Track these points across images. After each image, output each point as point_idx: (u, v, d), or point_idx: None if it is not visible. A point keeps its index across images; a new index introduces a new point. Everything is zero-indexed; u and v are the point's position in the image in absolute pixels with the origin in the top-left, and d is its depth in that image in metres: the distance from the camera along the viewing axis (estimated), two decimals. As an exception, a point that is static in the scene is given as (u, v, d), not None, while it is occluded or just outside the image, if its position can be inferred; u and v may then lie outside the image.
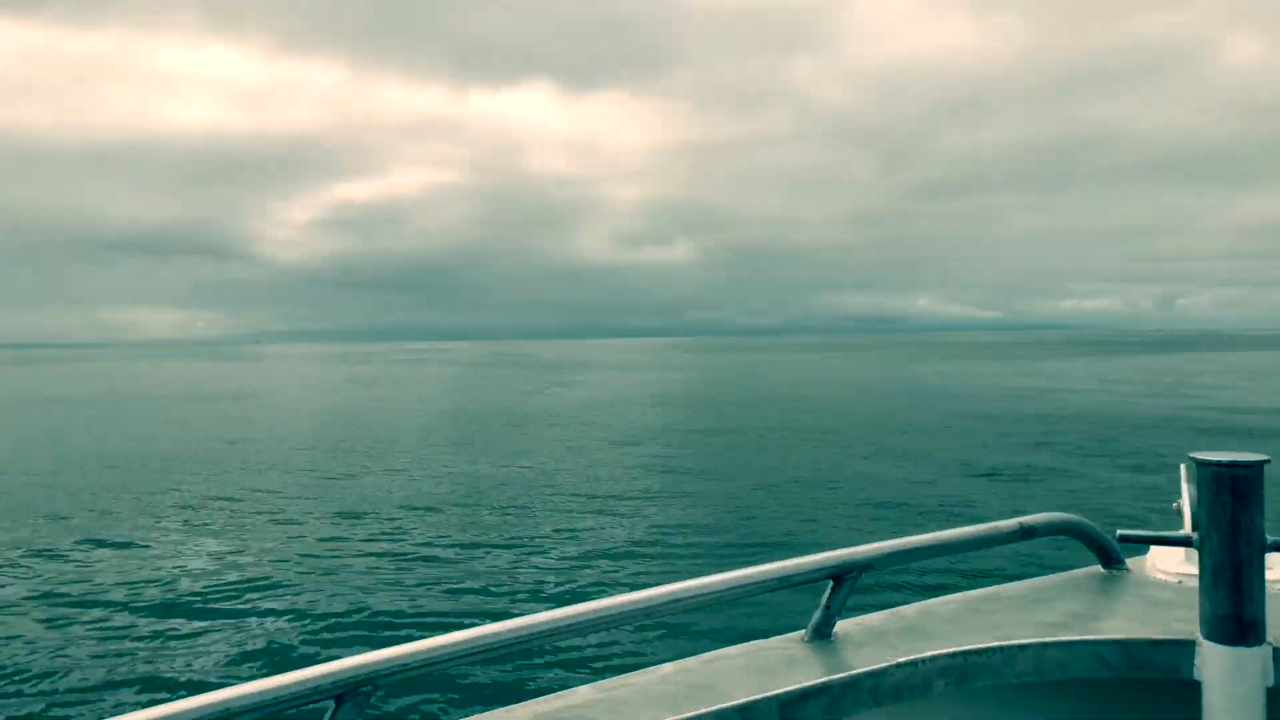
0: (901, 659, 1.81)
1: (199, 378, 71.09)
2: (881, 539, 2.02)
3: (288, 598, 9.85)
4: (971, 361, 79.28)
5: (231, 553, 11.86)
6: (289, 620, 9.11)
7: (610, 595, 1.72)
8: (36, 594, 10.02)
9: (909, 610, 2.09)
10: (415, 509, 14.55)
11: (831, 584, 1.93)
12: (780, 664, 1.81)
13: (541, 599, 9.53)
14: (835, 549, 1.93)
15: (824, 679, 1.73)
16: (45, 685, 7.42)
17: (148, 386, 58.20)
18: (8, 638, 8.57)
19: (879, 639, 1.93)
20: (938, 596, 2.16)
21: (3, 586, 10.42)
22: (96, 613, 9.33)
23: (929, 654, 1.84)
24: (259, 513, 14.53)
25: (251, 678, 1.39)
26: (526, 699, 1.65)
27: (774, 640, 1.95)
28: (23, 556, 11.76)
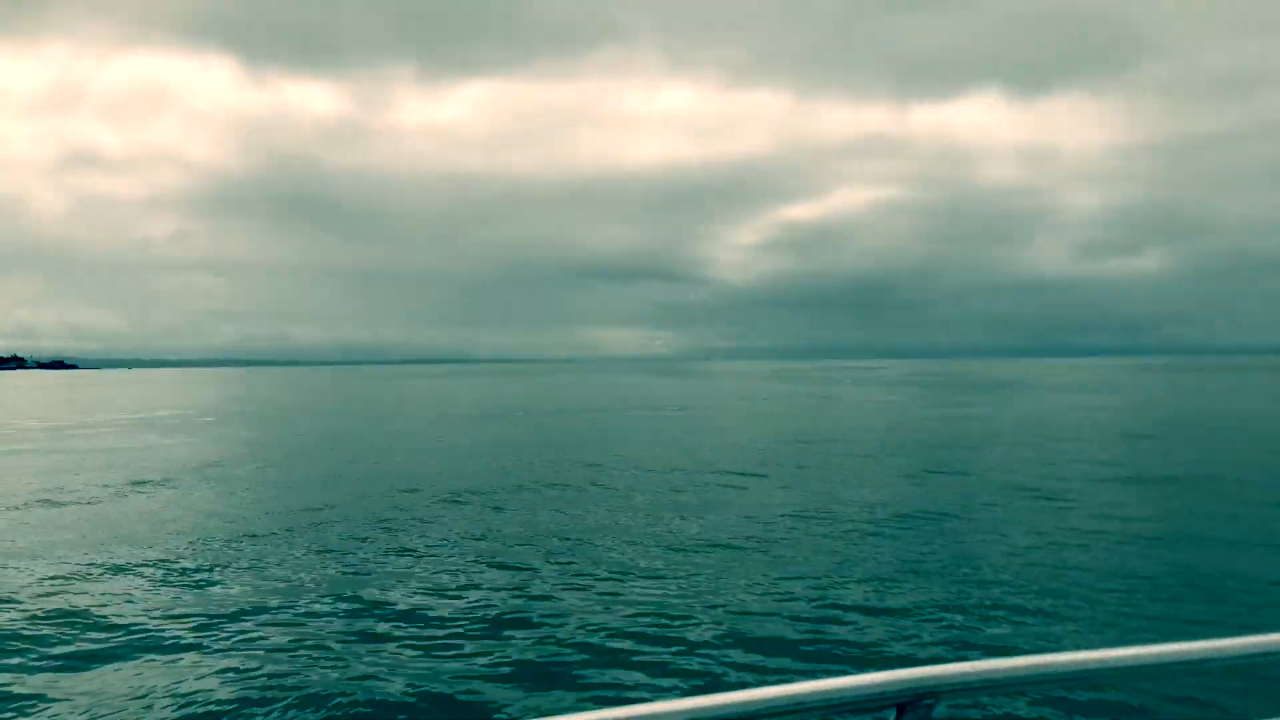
0: None
1: (677, 390, 78.32)
2: None
3: (853, 599, 10.21)
4: None
5: (786, 552, 12.69)
6: (859, 620, 9.48)
7: (1139, 644, 1.65)
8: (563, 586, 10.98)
9: None
10: (913, 519, 15.12)
11: None
12: None
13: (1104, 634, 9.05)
14: None
15: None
16: (614, 670, 8.11)
17: (671, 398, 64.76)
18: (586, 614, 9.73)
19: None
20: None
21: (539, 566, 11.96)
22: (643, 605, 10.09)
23: None
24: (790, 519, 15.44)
25: (822, 675, 1.53)
26: None
27: None
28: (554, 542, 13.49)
